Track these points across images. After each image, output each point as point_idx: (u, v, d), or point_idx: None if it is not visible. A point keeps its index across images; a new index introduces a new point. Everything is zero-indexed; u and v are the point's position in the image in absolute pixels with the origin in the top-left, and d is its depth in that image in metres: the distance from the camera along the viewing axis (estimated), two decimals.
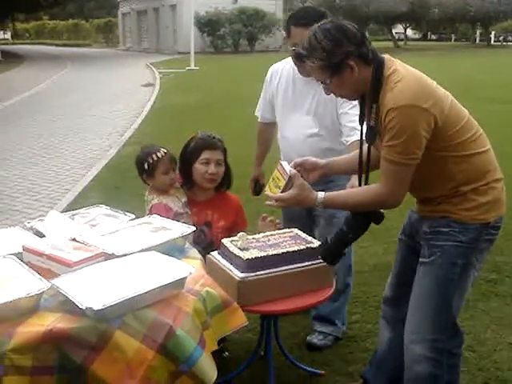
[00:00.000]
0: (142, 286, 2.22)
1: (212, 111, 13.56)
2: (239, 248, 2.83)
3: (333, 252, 2.72)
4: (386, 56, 2.49)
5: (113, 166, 8.81)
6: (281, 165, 2.65)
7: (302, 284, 2.87)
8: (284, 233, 3.08)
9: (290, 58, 3.53)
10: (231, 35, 41.78)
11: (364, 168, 2.62)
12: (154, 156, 3.31)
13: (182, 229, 2.83)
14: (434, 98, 2.39)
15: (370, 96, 2.47)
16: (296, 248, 2.87)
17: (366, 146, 2.61)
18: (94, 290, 2.20)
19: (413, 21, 53.54)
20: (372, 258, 4.93)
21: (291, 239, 2.98)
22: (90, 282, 2.28)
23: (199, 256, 2.80)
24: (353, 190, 2.72)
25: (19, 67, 30.65)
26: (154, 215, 3.04)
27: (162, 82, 21.31)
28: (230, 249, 2.84)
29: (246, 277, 2.73)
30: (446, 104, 2.43)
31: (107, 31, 66.20)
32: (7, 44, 59.38)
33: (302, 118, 3.53)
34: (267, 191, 2.69)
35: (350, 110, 3.31)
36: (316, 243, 2.94)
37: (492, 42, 53.30)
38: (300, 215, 3.62)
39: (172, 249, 2.67)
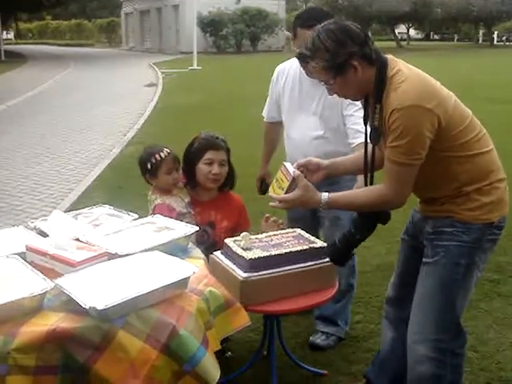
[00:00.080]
0: (145, 285, 2.22)
1: (215, 111, 13.56)
2: (242, 248, 2.83)
3: (341, 253, 2.73)
4: (389, 56, 2.49)
5: (116, 166, 8.81)
6: (284, 166, 2.65)
7: (305, 284, 2.87)
8: (287, 233, 3.08)
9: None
10: (234, 35, 41.79)
11: (369, 168, 2.62)
12: (157, 156, 3.31)
13: (185, 229, 2.83)
14: (438, 98, 2.38)
15: (373, 96, 2.47)
16: (299, 248, 2.87)
17: (370, 146, 2.61)
18: (98, 290, 2.21)
19: (415, 21, 53.52)
20: (375, 258, 4.93)
21: (294, 239, 2.98)
22: (94, 281, 2.29)
23: (202, 256, 2.80)
24: (357, 191, 2.72)
25: (22, 67, 30.68)
26: (157, 215, 3.05)
27: (165, 82, 21.32)
28: (233, 249, 2.84)
29: (249, 277, 2.73)
30: (450, 104, 2.43)
31: (110, 31, 66.25)
32: (10, 44, 59.38)
33: (308, 119, 3.53)
34: (271, 192, 2.69)
35: (356, 113, 3.31)
36: (319, 243, 2.94)
37: (495, 42, 53.23)
38: (304, 216, 3.61)
39: (175, 248, 2.67)
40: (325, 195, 2.54)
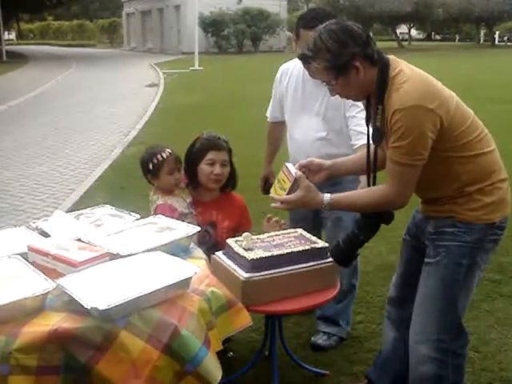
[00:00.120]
0: (147, 286, 2.22)
1: (216, 111, 13.57)
2: (244, 248, 2.83)
3: (345, 254, 2.74)
4: (391, 57, 2.49)
5: (117, 166, 8.82)
6: (286, 167, 2.65)
7: (307, 284, 2.87)
8: (289, 233, 3.08)
9: None
10: (235, 35, 41.83)
11: (371, 168, 2.62)
12: (158, 156, 3.31)
13: (186, 229, 2.83)
14: (440, 98, 2.38)
15: (375, 97, 2.47)
16: (301, 248, 2.87)
17: (372, 146, 2.61)
18: (99, 290, 2.21)
19: (417, 21, 53.52)
20: (376, 259, 4.93)
21: (296, 239, 2.98)
22: (95, 281, 2.29)
23: (204, 256, 2.80)
24: (359, 192, 2.72)
25: (24, 67, 30.72)
26: (159, 215, 3.05)
27: (166, 83, 21.34)
28: (235, 249, 2.84)
29: (251, 277, 2.73)
30: (452, 104, 2.43)
31: (111, 31, 66.32)
32: (12, 44, 59.43)
33: (311, 120, 3.53)
34: (272, 193, 2.69)
35: (358, 114, 3.31)
36: (320, 243, 2.94)
37: (496, 42, 53.22)
38: (306, 216, 3.61)
39: (177, 249, 2.67)
40: (327, 196, 2.54)
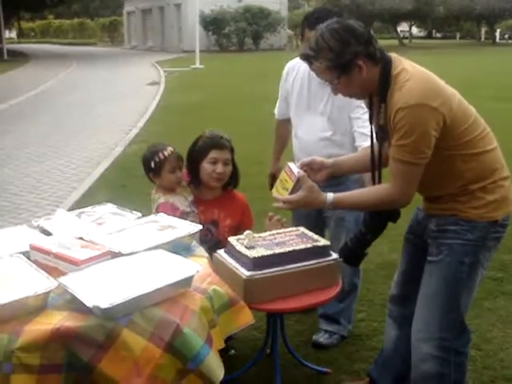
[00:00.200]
0: (149, 284, 2.22)
1: (217, 110, 13.56)
2: (246, 246, 2.83)
3: (354, 253, 2.75)
4: (393, 55, 2.49)
5: (119, 165, 8.82)
6: (288, 166, 2.64)
7: (309, 282, 2.86)
8: (290, 231, 3.07)
9: None
10: (236, 34, 41.85)
11: (376, 166, 2.62)
12: (160, 154, 3.31)
13: (188, 227, 2.83)
14: (443, 96, 2.38)
15: (377, 95, 2.47)
16: (302, 246, 2.87)
17: (376, 145, 2.61)
18: (101, 289, 2.21)
19: (418, 19, 53.54)
20: (378, 257, 4.92)
21: (297, 237, 2.98)
22: (97, 280, 2.29)
23: (206, 254, 2.80)
24: (362, 191, 2.71)
25: (25, 66, 30.73)
26: (161, 214, 3.04)
27: (167, 81, 21.34)
28: (237, 247, 2.84)
29: (253, 275, 2.72)
30: (454, 102, 2.42)
31: (112, 30, 66.32)
32: (13, 43, 59.44)
33: (316, 119, 3.52)
34: (274, 193, 2.68)
35: (363, 115, 3.30)
36: (322, 241, 2.94)
37: (497, 39, 53.18)
38: (309, 215, 3.60)
39: (179, 247, 2.67)
40: (330, 195, 2.54)
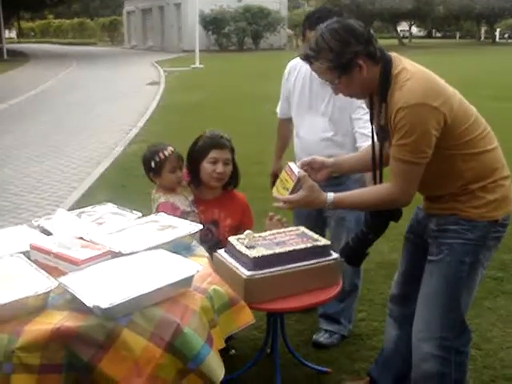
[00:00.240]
0: (149, 284, 2.22)
1: (217, 109, 13.55)
2: (246, 246, 2.83)
3: (355, 253, 2.75)
4: (394, 54, 2.48)
5: (119, 165, 8.82)
6: (289, 166, 2.64)
7: (309, 282, 2.86)
8: (290, 231, 3.07)
9: None
10: (236, 33, 41.84)
11: (377, 165, 2.62)
12: (161, 154, 3.31)
13: (189, 227, 2.83)
14: (444, 96, 2.38)
15: (378, 95, 2.47)
16: (303, 246, 2.87)
17: (377, 144, 2.61)
18: (102, 289, 2.21)
19: (418, 18, 53.51)
20: (378, 256, 4.92)
21: (298, 237, 2.98)
22: (98, 280, 2.29)
23: (206, 254, 2.80)
24: (363, 190, 2.71)
25: (24, 66, 30.72)
26: (161, 213, 3.04)
27: (167, 81, 21.34)
28: (237, 247, 2.84)
29: (253, 275, 2.72)
30: (455, 102, 2.42)
31: (112, 30, 66.32)
32: (13, 43, 59.42)
33: (317, 119, 3.52)
34: (275, 193, 2.67)
35: (364, 116, 3.29)
36: (323, 241, 2.94)
37: (497, 39, 53.17)
38: (309, 215, 3.61)
39: (179, 247, 2.67)
40: (330, 195, 2.54)
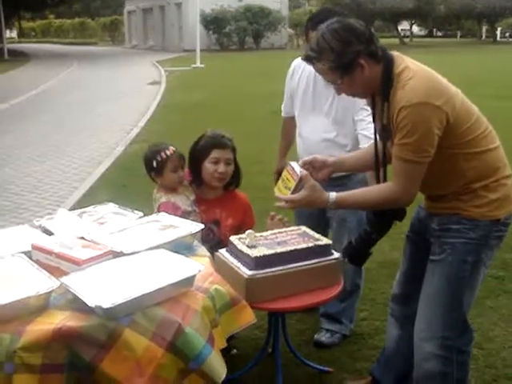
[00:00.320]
0: (150, 284, 2.22)
1: (218, 109, 13.56)
2: (247, 246, 2.83)
3: (359, 253, 2.75)
4: (396, 53, 2.48)
5: (120, 164, 8.82)
6: (290, 165, 2.63)
7: (310, 281, 2.86)
8: (292, 230, 3.07)
9: None
10: (237, 33, 41.86)
11: (381, 164, 2.62)
12: (162, 154, 3.30)
13: (190, 227, 2.83)
14: (446, 95, 2.37)
15: (380, 94, 2.46)
16: (304, 245, 2.86)
17: (379, 144, 2.60)
18: (103, 288, 2.21)
19: (418, 17, 53.50)
20: (379, 256, 4.91)
21: (299, 237, 2.98)
22: (99, 280, 2.29)
23: (207, 254, 2.80)
24: (365, 190, 2.70)
25: (25, 66, 30.73)
26: (162, 213, 3.04)
27: (168, 80, 21.34)
28: (238, 246, 2.84)
29: (254, 274, 2.72)
30: (457, 101, 2.42)
31: (113, 29, 66.35)
32: (13, 43, 59.43)
33: (320, 120, 3.52)
34: (277, 192, 2.66)
35: (367, 117, 3.29)
36: (324, 241, 2.94)
37: (498, 38, 53.14)
38: (311, 215, 3.61)
39: (180, 247, 2.67)
40: (332, 195, 2.53)
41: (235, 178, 3.48)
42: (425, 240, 2.69)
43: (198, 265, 2.41)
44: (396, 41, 45.85)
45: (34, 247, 2.54)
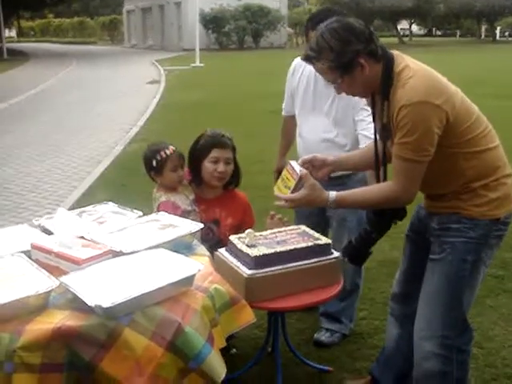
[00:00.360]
0: (150, 283, 2.22)
1: (218, 108, 13.56)
2: (247, 245, 2.83)
3: (358, 252, 2.74)
4: (396, 52, 2.47)
5: (119, 164, 8.82)
6: (290, 164, 2.62)
7: (310, 281, 2.86)
8: (291, 230, 3.07)
9: None
10: (236, 32, 41.88)
11: (381, 163, 2.61)
12: (162, 153, 3.30)
13: (190, 226, 2.83)
14: (446, 94, 2.37)
15: (380, 93, 2.46)
16: (304, 245, 2.86)
17: (380, 143, 2.60)
18: (103, 288, 2.20)
19: (418, 16, 53.53)
20: (379, 255, 4.91)
21: (298, 236, 2.98)
22: (99, 279, 2.28)
23: (207, 253, 2.80)
24: (365, 189, 2.70)
25: (24, 65, 30.73)
26: (162, 212, 3.04)
27: (167, 79, 21.34)
28: (238, 246, 2.84)
29: (254, 274, 2.72)
30: (457, 100, 2.42)
31: (112, 29, 66.34)
32: (12, 42, 59.38)
33: (320, 119, 3.52)
34: (276, 192, 2.65)
35: (367, 118, 3.28)
36: (323, 240, 2.94)
37: (497, 37, 53.16)
38: (311, 214, 3.61)
39: (180, 246, 2.67)
40: (332, 194, 2.53)
41: (235, 178, 3.48)
42: (425, 239, 2.69)
43: (198, 264, 2.41)
44: (395, 40, 45.89)
45: (34, 246, 2.53)
